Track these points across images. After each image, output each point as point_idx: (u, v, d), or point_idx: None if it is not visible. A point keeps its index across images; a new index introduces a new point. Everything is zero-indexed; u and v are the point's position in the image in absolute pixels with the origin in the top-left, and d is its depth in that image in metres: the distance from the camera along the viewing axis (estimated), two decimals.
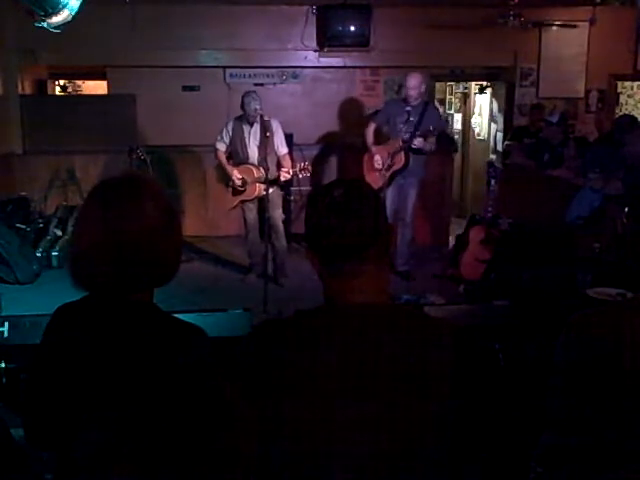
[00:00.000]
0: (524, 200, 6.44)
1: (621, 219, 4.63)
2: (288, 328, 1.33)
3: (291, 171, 5.32)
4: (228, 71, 7.68)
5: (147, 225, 1.33)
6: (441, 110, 9.52)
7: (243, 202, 5.63)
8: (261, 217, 5.71)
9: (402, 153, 5.60)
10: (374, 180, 5.51)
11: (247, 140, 5.50)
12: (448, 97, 9.88)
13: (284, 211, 5.83)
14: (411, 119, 5.61)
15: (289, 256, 5.79)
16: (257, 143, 5.47)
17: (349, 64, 7.69)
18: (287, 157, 5.52)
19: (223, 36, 7.40)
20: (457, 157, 8.96)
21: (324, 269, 1.34)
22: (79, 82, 9.36)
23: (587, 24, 7.61)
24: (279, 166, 5.44)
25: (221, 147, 5.63)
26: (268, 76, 7.76)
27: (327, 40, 7.30)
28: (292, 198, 6.85)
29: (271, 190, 5.25)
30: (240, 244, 6.34)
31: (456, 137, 9.32)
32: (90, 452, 1.31)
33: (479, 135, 9.28)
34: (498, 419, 2.39)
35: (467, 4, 7.22)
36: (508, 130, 7.90)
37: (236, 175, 5.50)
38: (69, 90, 9.31)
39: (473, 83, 9.26)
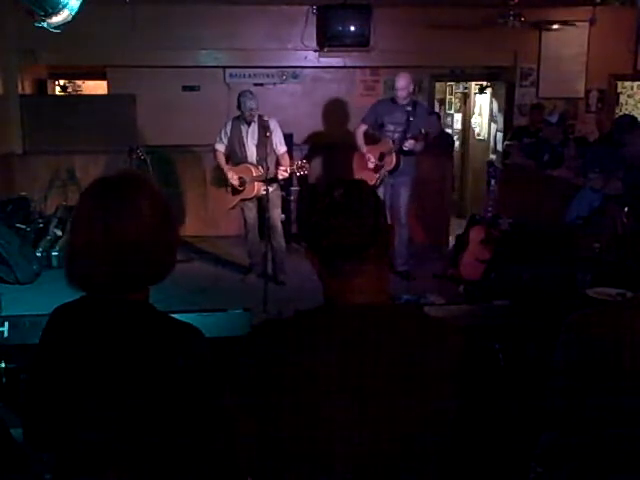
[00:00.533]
0: (524, 200, 6.44)
1: (621, 219, 4.63)
2: (288, 328, 1.33)
3: (289, 169, 5.32)
4: (228, 71, 7.69)
5: (143, 224, 1.33)
6: (440, 110, 9.56)
7: (243, 201, 5.64)
8: (261, 217, 5.72)
9: (393, 155, 5.60)
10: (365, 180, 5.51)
11: (245, 139, 5.51)
12: (448, 97, 9.89)
13: (284, 211, 5.83)
14: (401, 120, 5.61)
15: (289, 256, 5.79)
16: (255, 142, 5.48)
17: (349, 64, 7.69)
18: (286, 156, 5.52)
19: (223, 36, 7.40)
20: (457, 157, 8.97)
21: (324, 269, 1.34)
22: (79, 82, 9.36)
23: (587, 24, 7.62)
24: (278, 165, 5.45)
25: (220, 148, 5.63)
26: (268, 76, 7.76)
27: (327, 40, 7.30)
28: (292, 198, 6.85)
29: (271, 189, 5.26)
30: (240, 244, 6.34)
31: (455, 137, 9.32)
32: (89, 452, 1.31)
33: (479, 135, 9.28)
34: (498, 419, 2.40)
35: (467, 4, 7.22)
36: (508, 130, 7.90)
37: (233, 178, 5.51)
38: (69, 90, 9.31)
39: (473, 83, 9.26)
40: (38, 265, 5.94)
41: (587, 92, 7.98)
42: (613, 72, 7.95)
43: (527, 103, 7.81)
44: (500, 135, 8.23)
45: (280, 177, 5.37)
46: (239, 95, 5.46)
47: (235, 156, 5.58)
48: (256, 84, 7.55)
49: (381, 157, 5.68)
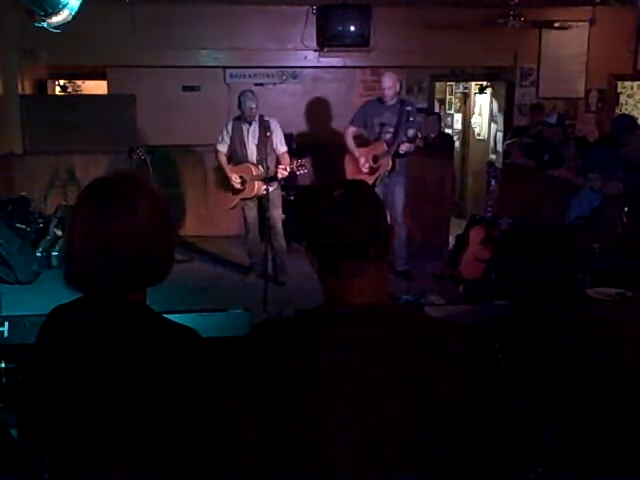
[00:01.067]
0: (524, 200, 6.44)
1: (621, 219, 4.63)
2: (288, 328, 1.33)
3: (288, 168, 5.33)
4: (228, 71, 7.69)
5: (141, 225, 1.32)
6: (440, 110, 9.56)
7: (243, 200, 5.64)
8: (261, 217, 5.72)
9: (388, 157, 5.58)
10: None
11: (246, 139, 5.51)
12: (448, 97, 9.89)
13: (284, 211, 5.83)
14: (391, 120, 5.60)
15: (289, 256, 5.79)
16: (256, 142, 5.48)
17: (349, 64, 7.69)
18: (286, 155, 5.52)
19: (223, 36, 7.41)
20: (457, 157, 8.96)
21: (324, 269, 1.34)
22: (79, 82, 9.36)
23: (587, 24, 7.62)
24: (278, 164, 5.45)
25: (222, 148, 5.63)
26: (268, 76, 7.76)
27: (327, 40, 7.30)
28: (292, 198, 6.85)
29: (271, 189, 5.26)
30: (240, 244, 6.34)
31: (455, 137, 9.32)
32: (85, 455, 1.30)
33: (479, 135, 9.28)
34: (498, 419, 2.40)
35: (467, 4, 7.22)
36: (508, 130, 7.90)
37: (235, 179, 5.51)
38: (69, 90, 9.31)
39: (473, 83, 9.27)
40: (38, 265, 5.94)
41: (587, 92, 7.98)
42: (613, 72, 7.96)
43: (527, 103, 7.82)
44: (500, 135, 8.23)
45: (280, 176, 5.37)
46: (240, 95, 5.47)
47: (236, 155, 5.59)
48: (256, 84, 7.55)
49: (375, 159, 5.66)
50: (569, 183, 5.97)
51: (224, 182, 5.73)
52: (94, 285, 1.34)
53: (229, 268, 6.27)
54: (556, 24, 7.65)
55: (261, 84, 7.65)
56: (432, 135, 6.98)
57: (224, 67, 7.66)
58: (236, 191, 5.60)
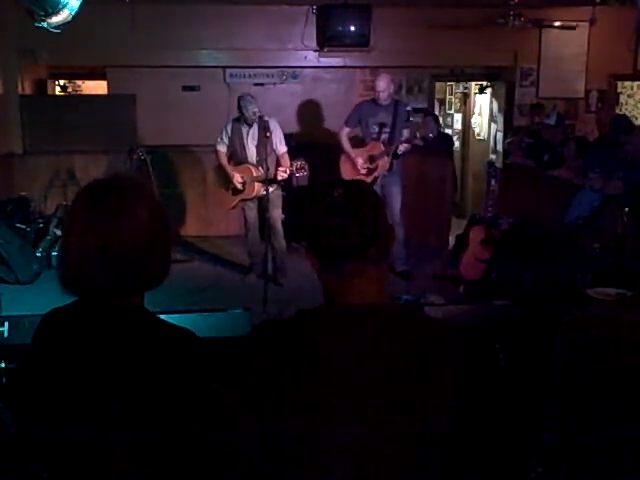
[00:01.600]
0: (524, 200, 6.45)
1: (621, 219, 4.63)
2: (288, 328, 1.33)
3: (288, 170, 5.32)
4: (228, 71, 7.69)
5: (136, 228, 1.30)
6: (440, 110, 9.56)
7: (243, 201, 5.64)
8: (261, 217, 5.72)
9: (386, 157, 5.58)
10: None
11: (245, 140, 5.51)
12: (448, 97, 9.89)
13: (284, 211, 5.83)
14: (386, 120, 5.60)
15: (289, 256, 5.79)
16: (255, 143, 5.48)
17: (349, 64, 7.69)
18: (286, 156, 5.52)
19: (223, 36, 7.40)
20: (457, 157, 8.97)
21: (324, 269, 1.34)
22: (79, 82, 9.36)
23: (587, 24, 7.62)
24: (278, 165, 5.44)
25: (222, 149, 5.63)
26: (268, 76, 7.76)
27: (327, 40, 7.30)
28: (292, 198, 6.85)
29: (271, 189, 5.26)
30: (240, 244, 6.34)
31: (455, 137, 9.32)
32: (82, 458, 1.30)
33: (479, 135, 9.28)
34: (498, 419, 2.40)
35: (467, 4, 7.22)
36: (508, 130, 7.90)
37: (237, 179, 5.50)
38: (69, 90, 9.31)
39: (473, 83, 9.27)
40: (38, 265, 5.94)
41: (587, 92, 7.98)
42: (613, 72, 7.96)
43: (527, 103, 7.82)
44: (500, 135, 8.23)
45: (279, 178, 5.36)
46: (239, 99, 5.43)
47: (236, 156, 5.59)
48: (256, 84, 7.55)
49: (372, 160, 5.65)
50: (569, 183, 5.97)
51: (224, 182, 5.73)
52: (90, 289, 1.32)
53: (229, 268, 6.27)
54: (556, 24, 7.64)
55: (261, 84, 7.65)
56: (431, 135, 6.97)
57: (224, 67, 7.66)
58: (236, 191, 5.60)
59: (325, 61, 7.66)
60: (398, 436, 1.27)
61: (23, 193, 6.80)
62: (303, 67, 7.76)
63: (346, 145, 5.80)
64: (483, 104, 9.12)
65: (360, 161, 5.66)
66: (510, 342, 2.67)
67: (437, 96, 9.09)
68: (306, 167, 5.31)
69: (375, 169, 5.64)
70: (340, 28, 7.19)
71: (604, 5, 7.01)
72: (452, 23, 7.38)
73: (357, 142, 5.91)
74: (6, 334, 2.66)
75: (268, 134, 5.24)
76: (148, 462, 1.28)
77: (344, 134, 5.83)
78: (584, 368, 1.47)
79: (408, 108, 5.67)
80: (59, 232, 6.40)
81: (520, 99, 7.97)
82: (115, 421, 1.27)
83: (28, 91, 7.66)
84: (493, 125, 8.61)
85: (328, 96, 7.78)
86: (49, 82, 8.45)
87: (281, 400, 1.26)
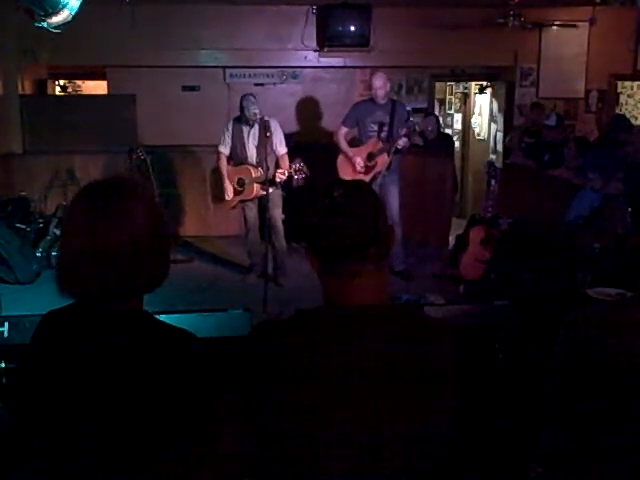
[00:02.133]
0: (524, 200, 6.45)
1: (621, 219, 4.63)
2: (288, 329, 1.33)
3: (287, 172, 5.32)
4: (228, 71, 7.69)
5: (135, 230, 1.29)
6: (440, 110, 9.56)
7: (243, 202, 5.64)
8: (261, 217, 5.72)
9: (385, 154, 5.56)
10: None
11: (246, 140, 5.51)
12: (448, 97, 9.89)
13: (284, 211, 5.83)
14: (384, 119, 5.59)
15: (289, 256, 5.79)
16: (256, 144, 5.48)
17: (349, 64, 7.69)
18: (285, 157, 5.51)
19: (223, 36, 7.41)
20: (457, 157, 8.96)
21: (323, 269, 1.34)
22: (79, 82, 9.36)
23: (587, 24, 7.62)
24: (277, 166, 5.44)
25: (224, 150, 5.62)
26: (268, 76, 7.77)
27: (327, 40, 7.30)
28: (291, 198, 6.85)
29: (271, 190, 5.26)
30: (240, 244, 6.34)
31: (455, 137, 9.32)
32: (81, 460, 1.30)
33: (479, 135, 9.28)
34: (498, 419, 2.40)
35: (467, 4, 7.22)
36: (508, 130, 7.90)
37: (228, 192, 5.56)
38: (69, 90, 9.30)
39: (473, 83, 9.27)
40: (38, 265, 5.94)
41: (587, 92, 7.98)
42: (613, 72, 7.96)
43: (527, 103, 7.81)
44: (500, 135, 8.23)
45: (278, 180, 5.36)
46: (242, 99, 5.44)
47: (236, 156, 5.59)
48: (256, 84, 7.55)
49: (370, 157, 5.64)
50: (569, 183, 5.97)
51: (221, 185, 5.74)
52: (88, 292, 1.31)
53: (229, 268, 6.27)
54: (556, 24, 7.64)
55: (261, 84, 7.65)
56: (431, 136, 6.97)
57: (224, 67, 7.66)
58: (235, 192, 5.61)
59: (325, 61, 7.66)
60: (398, 436, 1.27)
61: (23, 193, 6.80)
62: (303, 67, 7.76)
63: (343, 145, 5.78)
64: (483, 104, 9.12)
65: (358, 159, 5.64)
66: (510, 342, 2.67)
67: (437, 96, 9.09)
68: (305, 169, 5.30)
69: (374, 167, 5.63)
70: (340, 28, 7.19)
71: (604, 5, 7.00)
72: (452, 23, 7.38)
73: (354, 143, 5.90)
74: (6, 334, 2.66)
75: (268, 134, 5.24)
76: (145, 464, 1.28)
77: (341, 134, 5.81)
78: (584, 368, 1.47)
79: (408, 108, 5.68)
80: (59, 232, 6.40)
81: (520, 99, 7.97)
82: (111, 424, 1.27)
83: (28, 91, 7.67)
84: (493, 125, 8.61)
85: (328, 96, 7.78)
86: (49, 82, 8.46)
87: (281, 400, 1.26)
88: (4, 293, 4.78)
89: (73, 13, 3.76)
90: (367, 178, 5.55)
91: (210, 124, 6.44)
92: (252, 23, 7.43)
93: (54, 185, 7.10)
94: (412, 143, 5.74)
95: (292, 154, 5.61)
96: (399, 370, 1.27)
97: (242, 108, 5.40)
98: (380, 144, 5.59)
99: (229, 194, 5.57)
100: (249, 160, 5.51)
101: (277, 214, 5.60)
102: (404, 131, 5.54)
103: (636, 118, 8.23)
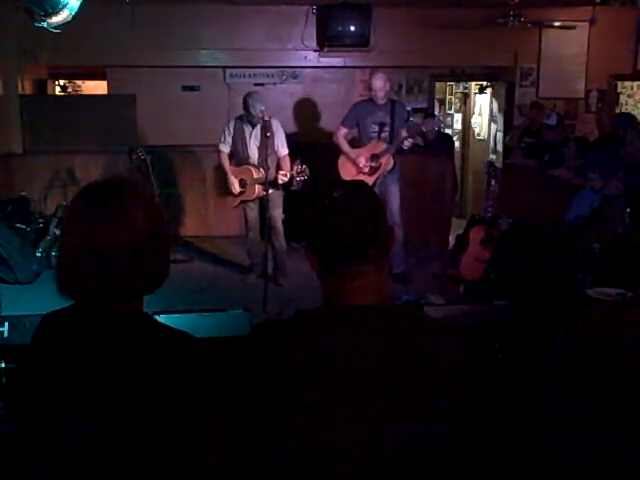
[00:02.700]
0: (524, 200, 6.45)
1: (621, 219, 4.63)
2: (287, 329, 1.33)
3: (288, 174, 5.31)
4: (228, 71, 7.69)
5: (135, 231, 1.29)
6: (440, 110, 9.56)
7: (244, 202, 5.64)
8: (262, 217, 5.72)
9: (390, 155, 5.53)
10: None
11: (248, 141, 5.50)
12: (448, 97, 9.89)
13: (284, 211, 5.83)
14: (385, 119, 5.57)
15: (289, 256, 5.79)
16: (257, 144, 5.47)
17: (349, 64, 7.69)
18: (287, 158, 5.51)
19: (223, 36, 7.41)
20: (457, 157, 8.97)
21: (323, 270, 1.34)
22: (79, 82, 9.36)
23: (587, 24, 7.62)
24: (279, 167, 5.43)
25: (225, 149, 5.61)
26: (268, 76, 7.77)
27: (327, 40, 7.31)
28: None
29: (271, 190, 5.25)
30: (240, 244, 6.34)
31: (455, 137, 9.32)
32: (80, 461, 1.30)
33: (479, 135, 9.29)
34: (498, 419, 2.39)
35: (467, 4, 7.22)
36: (508, 130, 7.90)
37: (234, 184, 5.51)
38: (69, 90, 9.31)
39: (473, 83, 9.27)
40: (38, 265, 5.94)
41: (587, 92, 7.99)
42: (613, 72, 7.96)
43: (527, 103, 7.82)
44: (500, 135, 8.24)
45: (280, 182, 5.35)
46: (246, 97, 5.39)
47: (237, 156, 5.58)
48: (256, 84, 7.55)
49: (374, 159, 5.61)
50: (569, 183, 5.97)
51: (225, 183, 5.73)
52: (88, 293, 1.31)
53: (229, 268, 6.27)
54: (556, 24, 7.64)
55: (261, 84, 7.65)
56: (431, 136, 6.97)
57: (224, 67, 7.66)
58: (237, 192, 5.61)
59: (325, 61, 7.66)
60: (398, 436, 1.27)
61: (23, 193, 6.80)
62: (303, 67, 7.76)
63: (344, 146, 5.74)
64: (483, 104, 9.12)
65: (362, 160, 5.61)
66: (510, 342, 2.67)
67: (437, 96, 9.09)
68: (307, 171, 5.30)
69: (378, 168, 5.60)
70: (340, 28, 7.19)
71: (604, 5, 7.01)
72: (452, 23, 7.38)
73: (354, 143, 5.87)
74: (6, 334, 2.66)
75: (268, 134, 5.23)
76: (144, 470, 1.28)
77: (341, 135, 5.77)
78: (584, 368, 1.47)
79: (408, 108, 5.66)
80: (59, 232, 6.40)
81: (520, 99, 7.97)
82: (113, 423, 1.27)
83: (28, 91, 7.67)
84: (493, 125, 8.61)
85: (328, 96, 7.78)
86: (49, 82, 8.46)
87: (281, 400, 1.26)
88: (4, 293, 4.78)
89: (73, 13, 3.75)
90: (371, 179, 5.52)
91: (210, 124, 6.43)
92: (252, 23, 7.43)
93: (54, 185, 7.10)
94: (418, 145, 5.72)
95: (292, 154, 5.61)
96: (399, 370, 1.27)
97: (247, 106, 5.35)
98: (383, 145, 5.56)
99: (236, 188, 5.54)
100: (251, 160, 5.50)
101: (277, 214, 5.60)
102: (410, 132, 5.51)
103: (634, 116, 8.23)
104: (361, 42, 7.23)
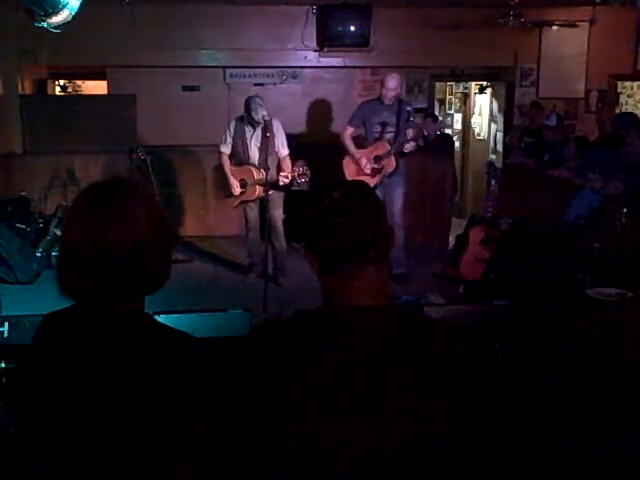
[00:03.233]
0: (524, 200, 6.45)
1: (621, 219, 4.63)
2: (287, 329, 1.33)
3: (290, 176, 5.30)
4: (228, 71, 7.69)
5: (136, 231, 1.29)
6: (440, 110, 9.56)
7: (244, 202, 5.64)
8: (262, 217, 5.71)
9: (392, 157, 5.51)
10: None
11: (249, 141, 5.49)
12: (448, 97, 9.89)
13: (284, 211, 5.83)
14: (390, 119, 5.54)
15: (289, 256, 5.79)
16: (258, 145, 5.45)
17: (349, 64, 7.69)
18: (287, 159, 5.50)
19: (223, 36, 7.40)
20: (457, 157, 8.97)
21: (323, 270, 1.34)
22: (79, 82, 9.36)
23: (587, 24, 7.62)
24: (279, 168, 5.42)
25: (225, 150, 5.60)
26: (268, 76, 7.77)
27: (327, 40, 7.30)
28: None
29: (272, 191, 5.25)
30: (240, 244, 6.33)
31: (455, 137, 9.32)
32: (81, 462, 1.30)
33: (479, 135, 9.29)
34: (498, 419, 2.40)
35: (467, 4, 7.22)
36: (508, 130, 7.91)
37: (235, 186, 5.51)
38: (69, 90, 9.31)
39: (473, 83, 9.27)
40: (38, 265, 5.94)
41: (587, 92, 7.99)
42: (613, 72, 7.96)
43: (527, 103, 7.82)
44: (500, 135, 8.24)
45: (281, 183, 5.34)
46: (249, 101, 5.37)
47: (238, 157, 5.57)
48: (256, 84, 7.55)
49: (377, 160, 5.58)
50: (569, 183, 5.97)
51: (225, 184, 5.73)
52: (89, 293, 1.31)
53: (229, 268, 6.27)
54: (556, 24, 7.64)
55: (261, 84, 7.65)
56: (431, 136, 6.97)
57: (224, 67, 7.66)
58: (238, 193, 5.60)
59: (325, 61, 7.66)
60: (398, 437, 1.27)
61: (23, 193, 6.80)
62: (303, 67, 7.76)
63: (350, 146, 5.70)
64: (483, 104, 9.12)
65: (364, 161, 5.57)
66: (510, 342, 2.68)
67: (437, 96, 9.09)
68: (308, 172, 5.29)
69: (381, 169, 5.56)
70: (340, 28, 7.19)
71: (604, 5, 7.01)
72: (452, 23, 7.38)
73: (360, 142, 5.84)
74: (6, 334, 2.66)
75: (268, 134, 5.23)
76: (141, 462, 1.28)
77: (347, 135, 5.72)
78: (584, 368, 1.47)
79: (408, 108, 5.63)
80: (59, 232, 6.40)
81: (520, 99, 7.97)
82: (113, 422, 1.27)
83: (28, 91, 7.66)
84: (493, 125, 8.61)
85: (328, 96, 7.78)
86: (49, 82, 8.45)
87: (281, 401, 1.26)
88: (4, 293, 4.78)
89: (73, 13, 3.76)
90: (374, 181, 5.49)
91: (210, 124, 6.44)
92: (252, 23, 7.42)
93: (54, 185, 7.10)
94: (419, 146, 5.67)
95: (292, 154, 5.60)
96: (399, 371, 1.27)
97: (249, 110, 5.33)
98: (387, 146, 5.52)
99: (236, 189, 5.54)
100: (251, 161, 5.49)
101: (277, 214, 5.59)
102: (411, 135, 5.48)
103: (636, 116, 8.22)
104: (361, 42, 7.23)
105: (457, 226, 6.90)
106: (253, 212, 5.73)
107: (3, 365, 2.35)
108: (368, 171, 5.57)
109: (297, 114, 7.71)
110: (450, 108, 9.91)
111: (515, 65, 7.87)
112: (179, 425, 1.28)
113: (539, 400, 1.63)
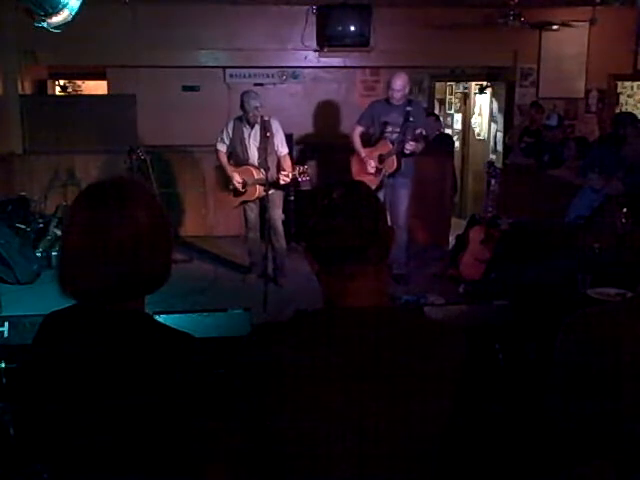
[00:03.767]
0: (524, 200, 6.45)
1: (621, 219, 4.63)
2: (287, 329, 1.33)
3: (290, 175, 5.30)
4: (228, 71, 7.69)
5: (136, 231, 1.29)
6: (440, 110, 9.55)
7: (244, 202, 5.63)
8: (261, 217, 5.71)
9: (394, 157, 5.49)
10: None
11: (247, 141, 5.48)
12: (448, 97, 9.89)
13: (284, 211, 5.83)
14: (398, 120, 5.52)
15: (289, 256, 5.79)
16: (257, 145, 5.44)
17: (349, 64, 7.69)
18: (287, 158, 5.50)
19: (223, 36, 7.41)
20: (457, 157, 8.97)
21: (323, 271, 1.33)
22: (79, 82, 9.37)
23: (587, 24, 7.62)
24: (279, 167, 5.42)
25: (222, 148, 5.61)
26: (268, 76, 7.76)
27: (327, 40, 7.30)
28: (292, 198, 6.85)
29: (271, 191, 5.25)
30: (240, 244, 6.34)
31: (455, 137, 9.32)
32: (81, 463, 1.30)
33: (479, 135, 9.28)
34: (498, 419, 2.40)
35: (467, 4, 7.22)
36: (508, 130, 7.90)
37: (237, 179, 5.49)
38: (69, 90, 9.31)
39: (473, 83, 9.27)
40: (38, 265, 5.94)
41: (587, 92, 7.98)
42: (613, 72, 7.96)
43: (527, 103, 7.82)
44: (500, 135, 8.23)
45: (282, 182, 5.34)
46: (242, 95, 5.39)
47: (237, 157, 5.57)
48: (256, 84, 7.55)
49: (380, 160, 5.58)
50: (569, 183, 5.97)
51: (225, 182, 5.72)
52: (89, 293, 1.31)
53: (229, 268, 6.27)
54: (556, 24, 7.64)
55: (261, 84, 7.64)
56: (431, 137, 6.97)
57: (224, 67, 7.66)
58: (238, 193, 5.59)
59: (325, 61, 7.66)
60: (398, 437, 1.27)
61: (23, 193, 6.80)
62: (303, 67, 7.76)
63: (358, 145, 5.70)
64: (483, 104, 9.12)
65: (371, 162, 5.57)
66: (510, 342, 2.68)
67: (437, 96, 9.09)
68: (309, 172, 5.29)
69: (383, 169, 5.55)
70: (340, 28, 7.19)
71: (604, 5, 7.00)
72: (452, 23, 7.38)
73: (367, 142, 5.82)
74: (6, 334, 2.66)
75: (268, 134, 5.23)
76: (142, 472, 1.28)
77: (356, 134, 5.72)
78: (584, 369, 1.47)
79: (414, 108, 5.61)
80: (59, 232, 6.40)
81: (520, 99, 7.97)
82: (114, 423, 1.28)
83: (28, 91, 7.66)
84: (493, 125, 8.61)
85: (328, 96, 7.78)
86: (49, 82, 8.45)
87: (281, 401, 1.26)
88: (4, 293, 4.78)
89: (73, 13, 3.76)
90: (376, 180, 5.50)
91: (210, 124, 6.42)
92: (252, 23, 7.42)
93: (54, 185, 7.10)
94: (422, 147, 5.64)
95: (292, 154, 5.60)
96: (399, 371, 1.27)
97: (242, 103, 5.34)
98: (389, 146, 5.51)
99: (238, 179, 5.52)
100: (251, 161, 5.49)
101: (277, 215, 5.59)
102: (413, 135, 5.46)
103: (635, 115, 8.23)
104: (361, 42, 7.22)
105: (457, 226, 6.90)
106: (253, 212, 5.73)
107: (3, 365, 2.35)
108: (372, 170, 5.58)
109: (297, 114, 7.70)
110: (450, 108, 9.91)
111: (515, 65, 7.87)
112: (179, 425, 1.28)
113: (539, 400, 1.63)
